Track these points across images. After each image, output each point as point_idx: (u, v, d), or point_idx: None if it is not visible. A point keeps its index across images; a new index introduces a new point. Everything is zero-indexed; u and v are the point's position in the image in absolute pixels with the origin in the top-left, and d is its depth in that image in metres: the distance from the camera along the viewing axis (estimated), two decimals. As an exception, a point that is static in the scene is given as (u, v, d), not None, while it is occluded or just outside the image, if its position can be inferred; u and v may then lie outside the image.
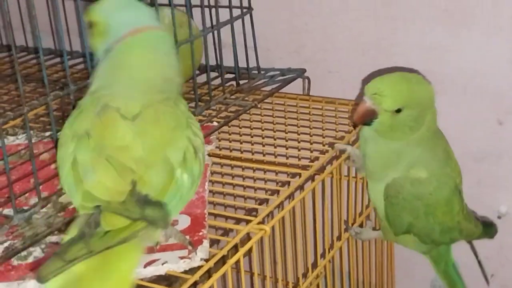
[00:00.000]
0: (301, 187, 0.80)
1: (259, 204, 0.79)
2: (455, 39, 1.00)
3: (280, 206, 0.77)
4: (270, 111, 1.06)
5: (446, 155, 0.84)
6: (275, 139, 1.04)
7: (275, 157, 1.05)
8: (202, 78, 1.05)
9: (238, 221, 0.76)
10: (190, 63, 0.97)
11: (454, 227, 0.85)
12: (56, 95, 0.76)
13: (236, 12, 1.05)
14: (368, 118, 0.77)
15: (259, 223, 0.71)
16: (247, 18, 1.07)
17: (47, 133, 0.96)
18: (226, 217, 0.78)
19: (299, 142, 1.04)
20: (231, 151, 1.05)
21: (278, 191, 0.82)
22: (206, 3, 1.03)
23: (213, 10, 1.04)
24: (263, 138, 1.06)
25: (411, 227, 0.84)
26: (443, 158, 0.83)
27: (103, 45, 0.70)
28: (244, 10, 1.06)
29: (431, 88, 0.79)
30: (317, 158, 0.90)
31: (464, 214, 0.86)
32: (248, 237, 0.71)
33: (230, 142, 1.07)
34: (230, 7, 1.03)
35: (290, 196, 0.78)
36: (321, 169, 0.84)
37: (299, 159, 1.02)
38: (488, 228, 0.92)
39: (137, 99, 0.64)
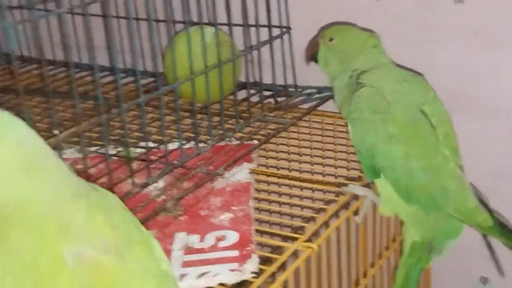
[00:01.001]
0: (345, 206, 0.82)
1: (305, 222, 0.81)
2: (490, 61, 1.02)
3: (324, 223, 0.79)
4: (307, 128, 1.08)
5: (404, 81, 0.84)
6: (312, 157, 1.07)
7: (312, 174, 1.07)
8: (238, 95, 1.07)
9: (283, 238, 0.78)
10: (230, 80, 1.00)
11: (429, 172, 0.77)
12: (110, 113, 0.79)
13: (275, 31, 1.07)
14: (312, 48, 0.95)
15: (305, 240, 0.73)
16: (285, 36, 1.10)
17: (92, 148, 0.99)
18: (271, 234, 0.80)
19: (336, 160, 1.06)
20: (267, 167, 1.07)
21: (320, 209, 0.83)
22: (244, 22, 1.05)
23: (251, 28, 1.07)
24: (300, 155, 1.08)
25: (375, 153, 0.79)
26: (398, 81, 0.83)
27: None
28: (283, 30, 1.08)
29: (368, 34, 0.92)
30: (355, 178, 0.92)
31: (451, 170, 0.79)
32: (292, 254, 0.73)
33: (267, 159, 1.09)
34: (270, 26, 1.05)
35: (335, 214, 0.80)
36: (366, 185, 0.86)
37: (336, 177, 1.05)
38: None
39: None
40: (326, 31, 0.94)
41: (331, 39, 0.92)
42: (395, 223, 0.94)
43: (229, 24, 0.96)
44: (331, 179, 1.04)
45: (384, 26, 1.05)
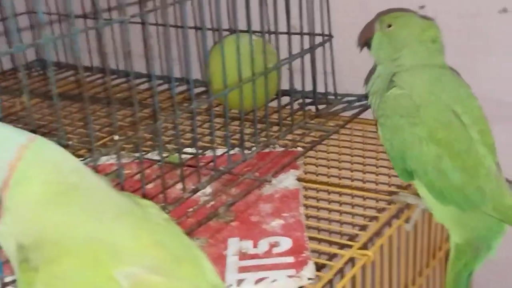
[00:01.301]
0: (396, 215, 0.83)
1: (360, 230, 0.81)
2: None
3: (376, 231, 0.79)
4: (348, 136, 1.09)
5: (439, 82, 0.83)
6: (352, 164, 1.08)
7: (352, 181, 1.08)
8: (274, 103, 1.08)
9: (334, 245, 0.79)
10: (271, 88, 1.01)
11: (463, 172, 0.76)
12: (165, 120, 0.80)
13: (316, 39, 1.08)
14: (368, 33, 0.91)
15: (359, 248, 0.73)
16: (326, 44, 1.10)
17: (137, 154, 1.00)
18: (322, 241, 0.80)
19: (377, 168, 1.06)
20: (305, 173, 1.08)
21: (372, 217, 0.84)
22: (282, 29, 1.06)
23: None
24: (339, 162, 1.09)
25: (406, 157, 0.79)
26: (432, 82, 0.82)
27: None
28: (325, 38, 1.09)
29: (429, 23, 0.88)
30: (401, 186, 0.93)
31: (487, 169, 0.78)
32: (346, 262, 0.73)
33: (305, 165, 1.10)
34: (313, 34, 1.06)
35: (387, 223, 0.81)
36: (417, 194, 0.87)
37: (377, 184, 1.05)
38: None
39: None
40: (384, 16, 0.90)
41: (389, 25, 0.88)
42: (442, 231, 0.95)
43: (276, 32, 0.96)
44: (372, 185, 1.05)
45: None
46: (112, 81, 1.22)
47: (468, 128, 0.79)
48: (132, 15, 0.69)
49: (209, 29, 1.08)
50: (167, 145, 1.02)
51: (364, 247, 0.74)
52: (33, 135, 0.49)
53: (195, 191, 0.87)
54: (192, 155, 0.95)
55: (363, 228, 0.81)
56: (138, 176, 0.94)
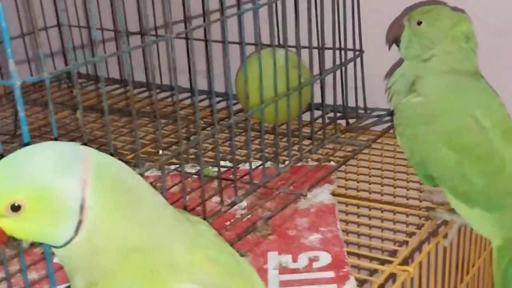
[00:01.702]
0: (434, 231, 0.84)
1: (399, 246, 0.82)
2: None
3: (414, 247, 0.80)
4: (379, 151, 1.09)
5: (463, 89, 0.82)
6: (382, 178, 1.09)
7: (382, 195, 1.09)
8: (305, 116, 1.09)
9: (374, 260, 0.79)
10: (302, 102, 1.02)
11: (486, 176, 0.77)
12: (206, 135, 0.81)
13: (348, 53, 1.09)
14: (397, 30, 0.88)
15: (399, 264, 0.74)
16: (357, 59, 1.11)
17: (172, 167, 1.01)
18: (360, 256, 0.81)
19: (408, 182, 1.07)
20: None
21: (411, 233, 0.85)
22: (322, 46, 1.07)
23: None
24: (369, 176, 1.10)
25: (427, 165, 0.79)
26: (454, 89, 0.81)
27: None
28: (356, 53, 1.10)
29: (461, 16, 0.84)
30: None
31: (511, 169, 0.77)
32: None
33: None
34: (345, 49, 1.07)
35: (426, 239, 0.82)
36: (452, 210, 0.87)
37: (407, 199, 1.06)
38: None
39: None
40: (413, 12, 0.87)
41: (419, 22, 0.85)
42: (475, 247, 0.95)
43: (309, 47, 0.98)
44: (403, 200, 1.05)
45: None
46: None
47: (489, 131, 0.78)
48: (178, 33, 0.71)
49: (247, 43, 1.09)
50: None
51: (404, 262, 0.75)
52: (89, 148, 0.49)
53: (232, 204, 0.88)
54: (227, 169, 0.96)
55: (400, 243, 0.82)
56: (173, 189, 0.95)
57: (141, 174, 0.73)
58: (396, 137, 0.85)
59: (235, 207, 0.89)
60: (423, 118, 0.79)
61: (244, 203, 0.91)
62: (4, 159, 0.48)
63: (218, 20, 0.78)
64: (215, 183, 0.98)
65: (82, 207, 0.46)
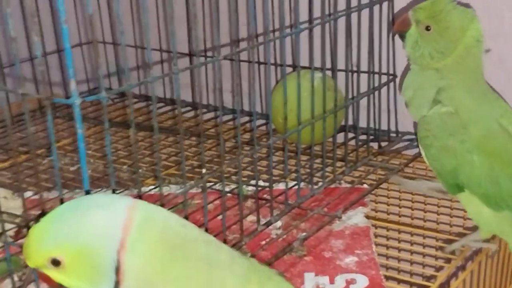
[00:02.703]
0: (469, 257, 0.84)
1: (435, 271, 0.83)
2: None
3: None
4: (410, 175, 1.10)
5: (484, 96, 0.82)
6: (413, 202, 1.09)
7: (412, 219, 1.09)
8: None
9: (408, 284, 0.80)
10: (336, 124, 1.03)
11: None
12: (246, 154, 0.82)
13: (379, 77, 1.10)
14: (403, 26, 0.85)
15: (436, 288, 0.75)
16: (391, 83, 1.13)
17: (208, 184, 1.02)
18: (397, 280, 0.82)
19: (438, 207, 1.07)
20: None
21: (433, 256, 0.85)
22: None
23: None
24: (400, 200, 1.10)
25: (458, 174, 0.80)
26: (477, 97, 0.82)
27: None
28: (390, 77, 1.12)
29: (469, 17, 0.82)
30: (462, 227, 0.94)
31: None
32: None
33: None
34: (379, 73, 1.08)
35: (461, 267, 0.82)
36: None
37: (438, 223, 1.07)
38: None
39: None
40: (420, 13, 0.84)
41: (427, 28, 0.83)
42: (507, 272, 0.96)
43: (346, 70, 0.99)
44: (432, 225, 1.06)
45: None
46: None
47: None
48: (225, 55, 0.72)
49: (288, 65, 1.11)
50: (233, 177, 1.04)
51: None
52: (136, 202, 0.50)
53: (268, 224, 0.89)
54: (261, 188, 0.97)
55: (436, 269, 0.83)
56: (209, 206, 0.96)
57: (185, 191, 0.74)
58: (421, 151, 0.85)
59: (269, 227, 0.90)
60: (452, 129, 0.80)
61: (278, 223, 0.93)
62: (50, 213, 0.50)
63: (261, 44, 0.80)
64: (248, 202, 0.99)
65: (118, 269, 0.47)
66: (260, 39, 1.07)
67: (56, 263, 0.48)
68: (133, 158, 0.63)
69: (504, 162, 0.79)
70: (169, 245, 0.48)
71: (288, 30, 0.95)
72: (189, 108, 1.31)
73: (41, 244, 0.49)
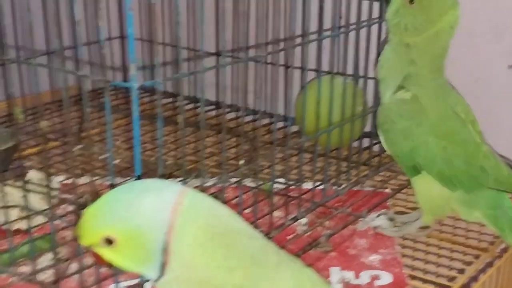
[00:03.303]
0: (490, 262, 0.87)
1: (458, 272, 0.85)
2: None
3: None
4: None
5: (443, 86, 0.87)
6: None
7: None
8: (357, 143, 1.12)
9: (431, 284, 0.82)
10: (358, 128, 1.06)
11: (468, 161, 0.84)
12: (279, 150, 0.85)
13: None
14: None
15: (458, 288, 0.78)
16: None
17: (233, 179, 1.05)
18: (419, 279, 0.84)
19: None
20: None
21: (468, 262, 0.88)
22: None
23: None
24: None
25: (415, 155, 0.85)
26: (438, 86, 0.86)
27: None
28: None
29: (451, 3, 0.84)
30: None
31: (484, 152, 0.85)
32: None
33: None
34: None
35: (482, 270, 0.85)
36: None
37: (454, 228, 1.09)
38: None
39: None
40: None
41: (411, 1, 0.84)
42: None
43: (365, 77, 1.03)
44: (450, 229, 1.08)
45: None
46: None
47: (466, 122, 0.86)
48: (252, 56, 0.75)
49: (309, 69, 1.14)
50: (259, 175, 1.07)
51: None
52: (185, 189, 0.52)
53: (295, 219, 0.92)
54: (288, 186, 1.00)
55: (459, 271, 0.85)
56: (235, 201, 0.99)
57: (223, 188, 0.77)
58: (380, 137, 0.89)
59: (295, 223, 0.93)
60: (409, 113, 0.85)
61: (304, 220, 0.95)
62: (105, 195, 0.52)
63: (285, 49, 0.83)
64: (274, 199, 1.02)
65: (165, 250, 0.49)
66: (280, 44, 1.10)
67: (109, 242, 0.50)
68: (180, 151, 0.66)
69: (456, 143, 0.84)
70: (211, 232, 0.50)
71: (313, 36, 0.98)
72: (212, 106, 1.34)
73: (96, 223, 0.51)
